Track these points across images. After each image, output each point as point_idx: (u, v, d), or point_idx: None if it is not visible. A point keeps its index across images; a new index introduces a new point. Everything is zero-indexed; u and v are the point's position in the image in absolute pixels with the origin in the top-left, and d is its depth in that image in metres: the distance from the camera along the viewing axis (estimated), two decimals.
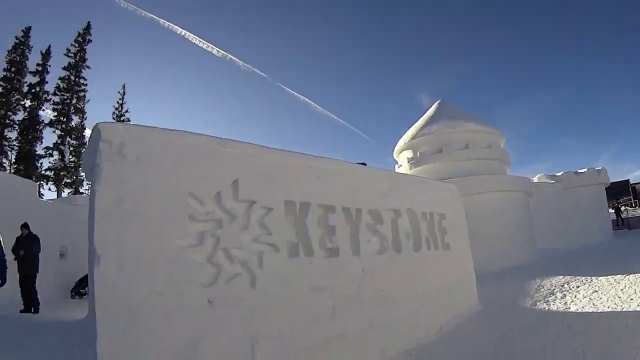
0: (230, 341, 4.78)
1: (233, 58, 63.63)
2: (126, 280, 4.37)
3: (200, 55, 71.84)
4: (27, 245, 10.27)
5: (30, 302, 9.95)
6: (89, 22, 37.77)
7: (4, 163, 32.88)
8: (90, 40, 37.49)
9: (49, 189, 33.33)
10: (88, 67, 37.10)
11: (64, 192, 32.76)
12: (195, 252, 4.82)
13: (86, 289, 15.22)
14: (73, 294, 15.63)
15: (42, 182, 31.32)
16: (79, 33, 37.09)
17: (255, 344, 4.91)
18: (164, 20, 67.58)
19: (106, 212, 4.37)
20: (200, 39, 57.86)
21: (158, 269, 4.54)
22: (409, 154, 20.22)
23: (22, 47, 35.10)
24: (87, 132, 35.82)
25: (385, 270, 6.69)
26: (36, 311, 9.89)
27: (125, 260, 4.37)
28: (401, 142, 20.63)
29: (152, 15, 69.49)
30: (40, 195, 18.79)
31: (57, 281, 15.33)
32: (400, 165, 20.62)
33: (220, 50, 59.15)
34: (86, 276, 15.05)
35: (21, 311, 9.74)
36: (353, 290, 6.03)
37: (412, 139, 19.94)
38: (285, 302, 5.21)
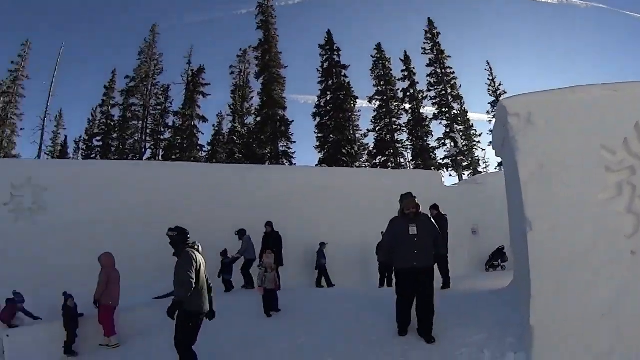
0: None
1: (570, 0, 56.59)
2: (557, 240, 4.62)
3: (536, 9, 65.94)
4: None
5: (446, 277, 10.41)
6: (429, 18, 39.37)
7: (401, 162, 36.83)
8: (439, 33, 38.83)
9: (450, 175, 35.70)
10: (449, 56, 38.49)
11: (463, 175, 34.60)
12: (615, 204, 4.77)
13: (499, 261, 15.87)
14: (487, 267, 16.31)
15: (441, 171, 33.55)
16: (425, 31, 38.89)
17: None
18: None
19: (530, 179, 4.68)
20: None
21: (585, 226, 4.64)
22: None
23: (381, 61, 38.93)
24: (470, 116, 37.35)
25: None
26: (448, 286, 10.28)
27: (555, 221, 4.60)
28: None
29: None
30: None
31: (472, 257, 16.23)
32: None
33: None
34: (498, 249, 15.69)
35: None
36: None
37: None
38: None
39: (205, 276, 5.91)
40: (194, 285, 5.37)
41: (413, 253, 6.18)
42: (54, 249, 12.16)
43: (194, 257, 5.56)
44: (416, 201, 6.57)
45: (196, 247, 5.83)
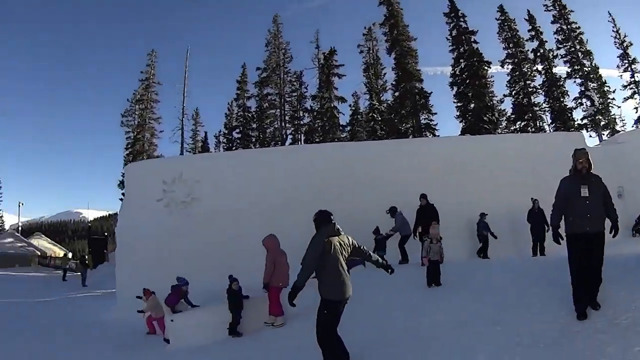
0: None
1: None
2: None
3: None
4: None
5: None
6: None
7: (540, 125, 35.52)
8: None
9: (590, 136, 33.43)
10: (572, 11, 36.59)
11: (603, 134, 32.98)
12: None
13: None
14: (634, 232, 15.85)
15: (581, 131, 30.50)
16: None
17: None
18: None
19: None
20: None
21: None
22: None
23: (507, 23, 37.60)
24: (602, 71, 35.48)
25: None
26: None
27: None
28: None
29: None
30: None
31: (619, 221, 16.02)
32: None
33: None
34: None
35: None
36: None
37: None
38: None
39: (362, 248, 5.86)
40: (311, 270, 5.29)
41: (585, 217, 5.73)
42: (211, 236, 13.50)
43: (324, 241, 5.36)
44: (588, 157, 5.89)
45: (336, 229, 5.55)
